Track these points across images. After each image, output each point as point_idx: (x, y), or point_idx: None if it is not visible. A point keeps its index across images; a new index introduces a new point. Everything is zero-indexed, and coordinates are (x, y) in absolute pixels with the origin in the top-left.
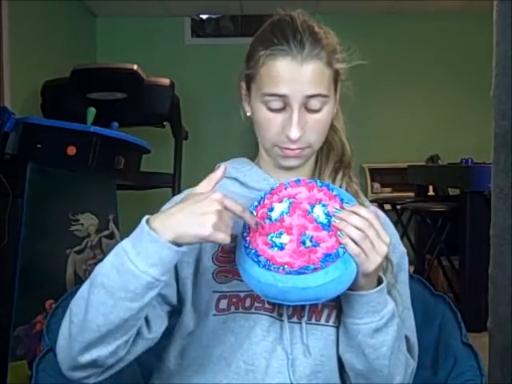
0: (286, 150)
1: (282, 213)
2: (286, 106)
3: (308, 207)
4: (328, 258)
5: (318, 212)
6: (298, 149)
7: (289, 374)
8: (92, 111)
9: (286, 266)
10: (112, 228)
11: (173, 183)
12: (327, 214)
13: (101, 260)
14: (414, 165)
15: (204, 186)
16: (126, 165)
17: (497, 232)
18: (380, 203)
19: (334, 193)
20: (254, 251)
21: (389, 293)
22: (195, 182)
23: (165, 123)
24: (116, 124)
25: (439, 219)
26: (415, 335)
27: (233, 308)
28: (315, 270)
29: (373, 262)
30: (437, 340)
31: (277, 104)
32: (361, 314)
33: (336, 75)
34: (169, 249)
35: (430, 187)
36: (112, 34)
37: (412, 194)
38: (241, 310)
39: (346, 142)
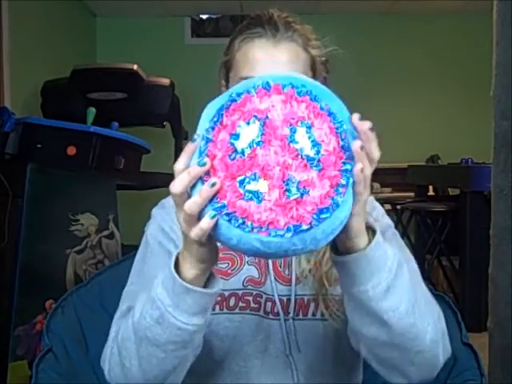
0: None
1: (253, 143)
2: None
3: (287, 132)
4: (321, 212)
5: (302, 140)
6: None
7: (284, 371)
8: (92, 111)
9: (268, 226)
10: (112, 228)
11: None
12: (314, 142)
13: (101, 261)
14: (414, 165)
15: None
16: (126, 165)
17: (497, 232)
18: (380, 203)
19: (320, 104)
20: (222, 205)
21: None
22: None
23: (165, 123)
24: (116, 124)
25: (439, 219)
26: (425, 287)
27: (217, 308)
28: (306, 230)
29: (367, 186)
30: None
31: None
32: (365, 276)
33: (313, 62)
34: (207, 295)
35: (430, 187)
36: (112, 34)
37: (412, 194)
38: (225, 310)
39: None
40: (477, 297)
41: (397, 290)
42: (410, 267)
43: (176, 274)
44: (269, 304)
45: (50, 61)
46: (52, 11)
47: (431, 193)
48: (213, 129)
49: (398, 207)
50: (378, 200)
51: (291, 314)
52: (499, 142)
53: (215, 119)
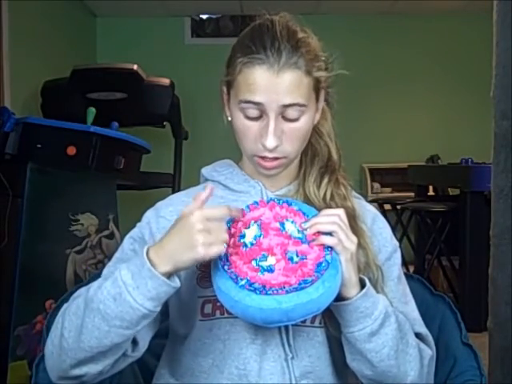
0: (263, 162)
1: (256, 236)
2: (262, 115)
3: (278, 225)
4: (320, 267)
5: (290, 228)
6: (275, 159)
7: (282, 375)
8: (92, 111)
9: (284, 286)
10: (112, 228)
11: (173, 183)
12: (298, 230)
13: (101, 261)
14: (414, 165)
15: (192, 207)
16: (126, 165)
17: (497, 232)
18: (380, 203)
19: (296, 208)
20: (245, 280)
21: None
22: (195, 182)
23: (165, 123)
24: (116, 124)
25: (439, 219)
26: (424, 326)
27: (217, 313)
28: (313, 282)
29: (349, 249)
30: (436, 340)
31: (253, 112)
32: (352, 321)
33: (317, 83)
34: (167, 285)
35: (430, 187)
36: (112, 34)
37: (412, 194)
38: (226, 315)
39: (331, 145)
40: (477, 297)
41: (381, 337)
42: (405, 310)
43: (147, 260)
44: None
45: (50, 61)
46: (52, 11)
47: (431, 193)
48: None
49: (398, 207)
50: (377, 200)
51: None
52: (499, 142)
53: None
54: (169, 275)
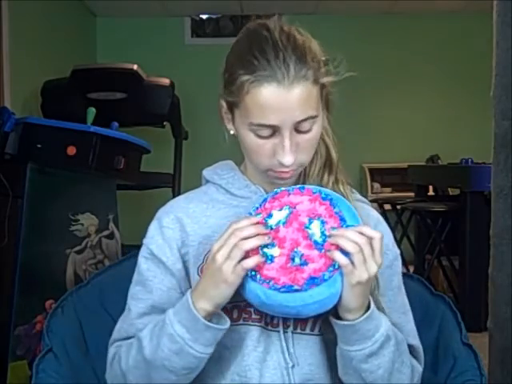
0: (280, 175)
1: (279, 222)
2: (275, 132)
3: (306, 221)
4: (313, 280)
5: (315, 229)
6: (292, 170)
7: (282, 383)
8: (92, 111)
9: (270, 282)
10: (112, 228)
11: (173, 183)
12: (323, 233)
13: (101, 261)
14: (414, 165)
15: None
16: (126, 165)
17: (497, 232)
18: (380, 203)
19: (336, 210)
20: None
21: (378, 309)
22: (195, 182)
23: (165, 123)
24: (116, 124)
25: (439, 219)
26: (417, 337)
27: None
28: (297, 291)
29: (358, 277)
30: (436, 340)
31: (266, 132)
32: (351, 341)
33: (322, 89)
34: (222, 331)
35: (430, 187)
36: (112, 34)
37: (412, 194)
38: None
39: (330, 143)
40: (477, 297)
41: (378, 358)
42: (401, 321)
43: (199, 316)
44: (267, 316)
45: (50, 61)
46: (52, 11)
47: (431, 193)
48: (257, 208)
49: (398, 207)
50: (377, 200)
51: (291, 328)
52: (499, 142)
53: (261, 203)
54: (215, 314)
